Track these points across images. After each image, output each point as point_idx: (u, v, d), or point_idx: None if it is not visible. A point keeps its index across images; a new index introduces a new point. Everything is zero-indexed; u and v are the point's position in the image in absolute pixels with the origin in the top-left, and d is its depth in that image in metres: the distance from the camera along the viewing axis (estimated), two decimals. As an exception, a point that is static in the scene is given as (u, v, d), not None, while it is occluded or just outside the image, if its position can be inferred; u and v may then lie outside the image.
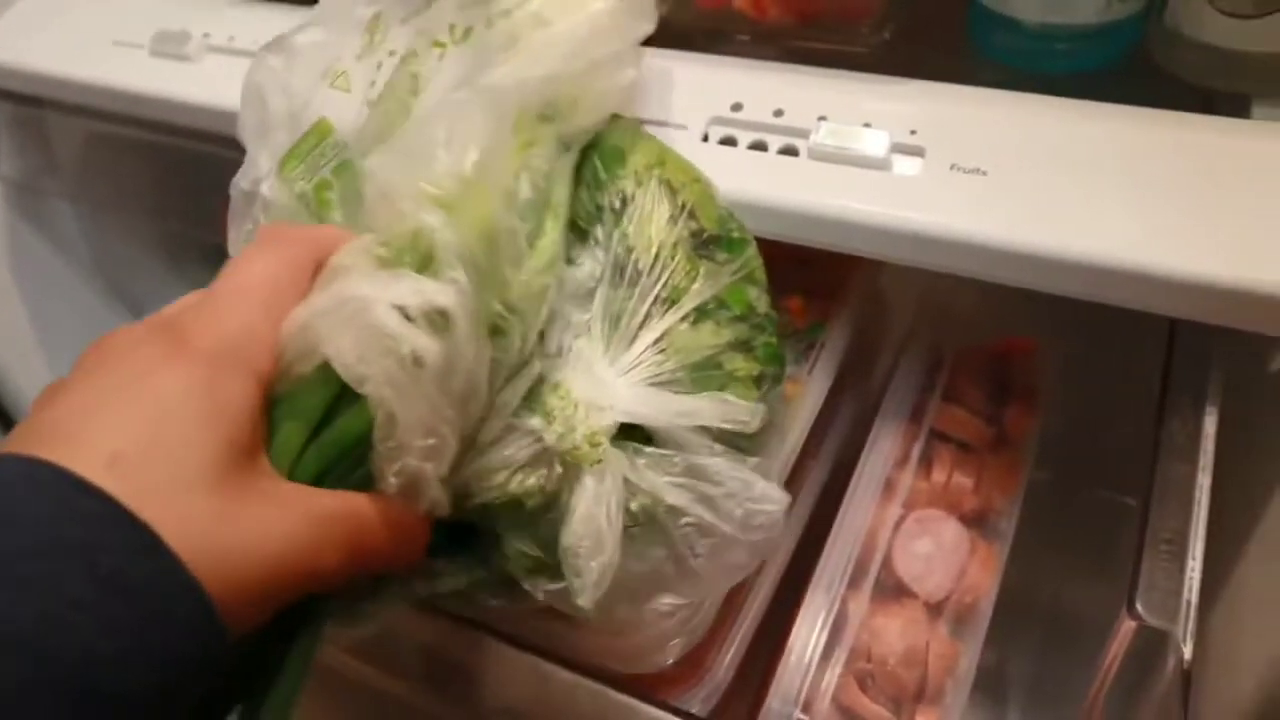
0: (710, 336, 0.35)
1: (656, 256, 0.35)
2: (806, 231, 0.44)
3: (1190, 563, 0.37)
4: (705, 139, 0.46)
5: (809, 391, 0.45)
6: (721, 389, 0.34)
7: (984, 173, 0.42)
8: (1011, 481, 0.47)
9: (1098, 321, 0.54)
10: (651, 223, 0.36)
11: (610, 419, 0.33)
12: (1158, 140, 0.42)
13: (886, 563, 0.44)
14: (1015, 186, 0.41)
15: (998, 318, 0.53)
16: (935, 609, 0.44)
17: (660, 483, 0.33)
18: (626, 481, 0.33)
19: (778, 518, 0.34)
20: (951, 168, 0.42)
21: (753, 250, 0.38)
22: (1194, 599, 0.36)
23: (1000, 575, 0.45)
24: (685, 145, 0.46)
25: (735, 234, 0.38)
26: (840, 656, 0.42)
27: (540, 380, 0.34)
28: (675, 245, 0.36)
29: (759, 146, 0.45)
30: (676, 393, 0.34)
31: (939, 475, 0.47)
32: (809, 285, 0.50)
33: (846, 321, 0.48)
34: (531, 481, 0.33)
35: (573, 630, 0.39)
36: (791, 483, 0.47)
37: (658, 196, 0.36)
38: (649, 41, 0.54)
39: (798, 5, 0.48)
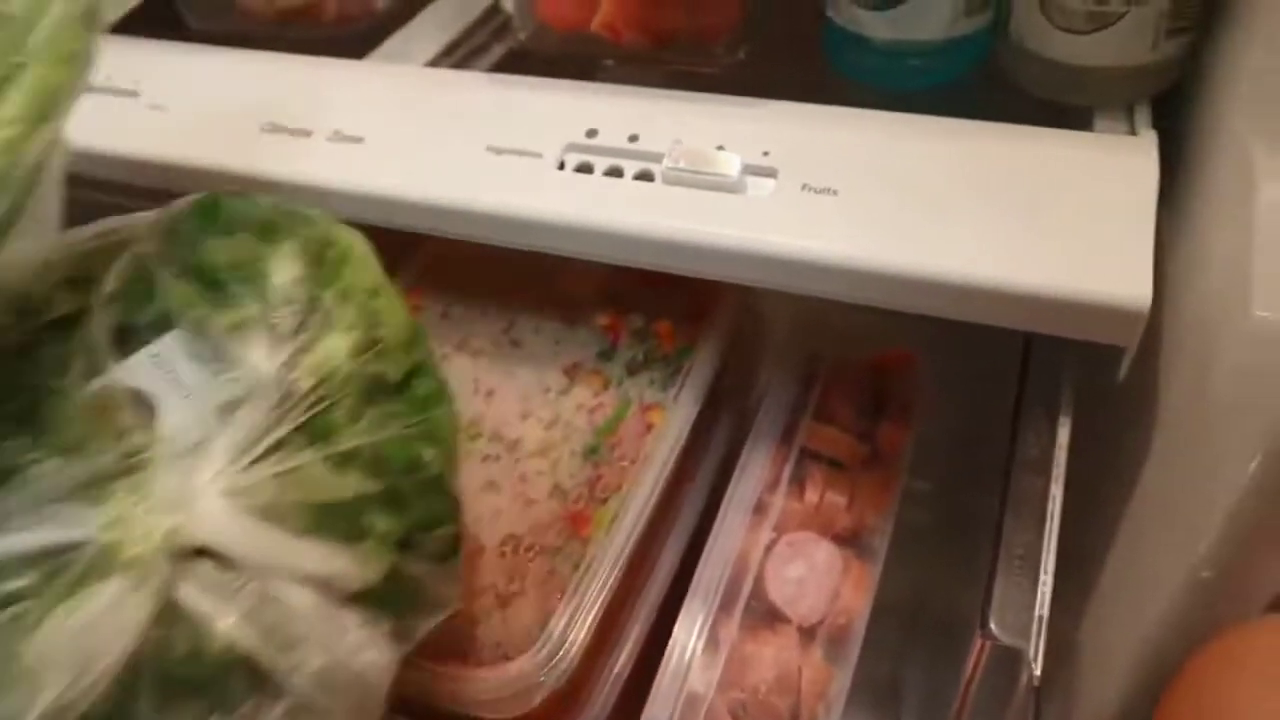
0: (353, 484, 0.32)
1: (319, 384, 0.31)
2: (664, 258, 0.43)
3: (1043, 577, 0.37)
4: (561, 166, 0.45)
5: (674, 416, 0.45)
6: (347, 540, 0.31)
7: (835, 192, 0.42)
8: (885, 498, 0.47)
9: (965, 334, 0.54)
10: (330, 349, 0.32)
11: (181, 532, 0.29)
12: (1004, 155, 0.42)
13: (758, 588, 0.44)
14: (865, 205, 0.41)
15: (874, 331, 0.53)
16: (809, 633, 0.44)
17: (214, 609, 0.29)
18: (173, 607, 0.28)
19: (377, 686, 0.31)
20: (803, 188, 0.42)
21: (444, 411, 0.35)
22: (1045, 614, 0.36)
23: (873, 594, 0.44)
24: (540, 174, 0.45)
25: (423, 391, 0.34)
26: (711, 686, 0.41)
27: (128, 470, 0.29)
28: (347, 380, 0.32)
29: (614, 173, 0.45)
30: (282, 530, 0.30)
31: (811, 495, 0.46)
32: (678, 309, 0.50)
33: (714, 343, 0.48)
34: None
35: (425, 676, 0.38)
36: (665, 509, 0.47)
37: (351, 323, 0.33)
38: (507, 68, 0.54)
39: (652, 27, 0.48)
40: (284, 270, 0.34)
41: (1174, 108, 0.45)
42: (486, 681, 0.38)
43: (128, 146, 0.50)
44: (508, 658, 0.39)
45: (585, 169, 0.45)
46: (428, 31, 0.55)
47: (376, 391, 0.33)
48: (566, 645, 0.39)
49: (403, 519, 0.32)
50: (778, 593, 0.44)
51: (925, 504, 0.57)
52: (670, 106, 0.47)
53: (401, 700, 0.36)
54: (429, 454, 0.33)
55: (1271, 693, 0.23)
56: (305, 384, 0.31)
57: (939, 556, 0.59)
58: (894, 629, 0.53)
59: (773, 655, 0.42)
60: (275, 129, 0.50)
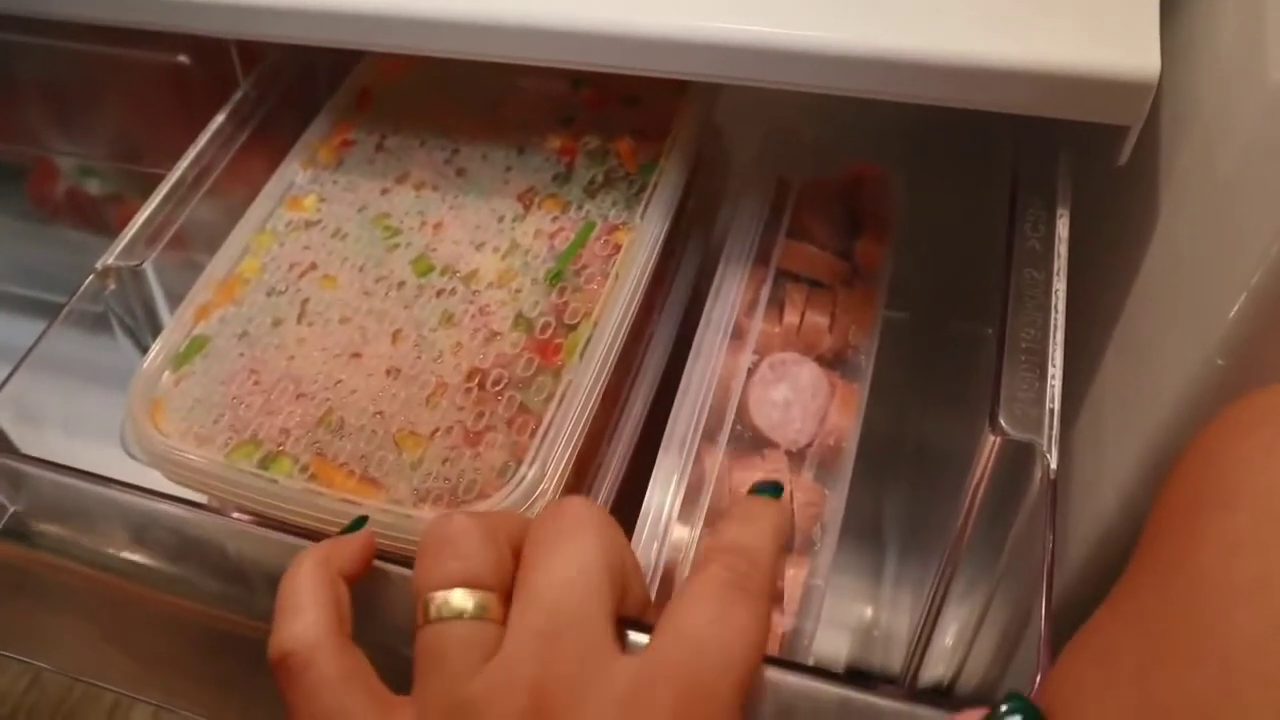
0: None
1: None
2: (635, 58, 0.39)
3: (1050, 370, 0.35)
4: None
5: (642, 237, 0.41)
6: None
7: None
8: (867, 316, 0.44)
9: (943, 142, 0.51)
10: None
11: None
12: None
13: (742, 413, 0.41)
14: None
15: (843, 149, 0.50)
16: (798, 456, 0.41)
17: None
18: None
19: None
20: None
21: None
22: (1056, 407, 0.34)
23: (862, 414, 0.42)
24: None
25: None
26: (699, 517, 0.39)
27: None
28: None
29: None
30: None
31: (791, 317, 0.44)
32: (639, 125, 0.46)
33: (677, 159, 0.44)
34: None
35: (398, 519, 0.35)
36: (635, 339, 0.44)
37: None
38: None
39: None
40: None
41: None
42: (462, 520, 0.35)
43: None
44: (484, 495, 0.36)
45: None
46: None
47: None
48: (545, 480, 0.36)
49: None
50: (762, 417, 0.41)
51: (902, 332, 0.55)
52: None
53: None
54: None
55: None
56: None
57: (916, 387, 0.57)
58: (873, 460, 0.51)
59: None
60: (171, -60, 0.44)
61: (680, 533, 0.38)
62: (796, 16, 0.37)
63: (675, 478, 0.39)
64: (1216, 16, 0.37)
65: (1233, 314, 0.32)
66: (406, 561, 0.32)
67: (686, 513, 0.39)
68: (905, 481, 0.57)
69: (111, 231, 0.60)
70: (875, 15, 0.37)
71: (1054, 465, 0.33)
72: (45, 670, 0.87)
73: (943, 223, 0.54)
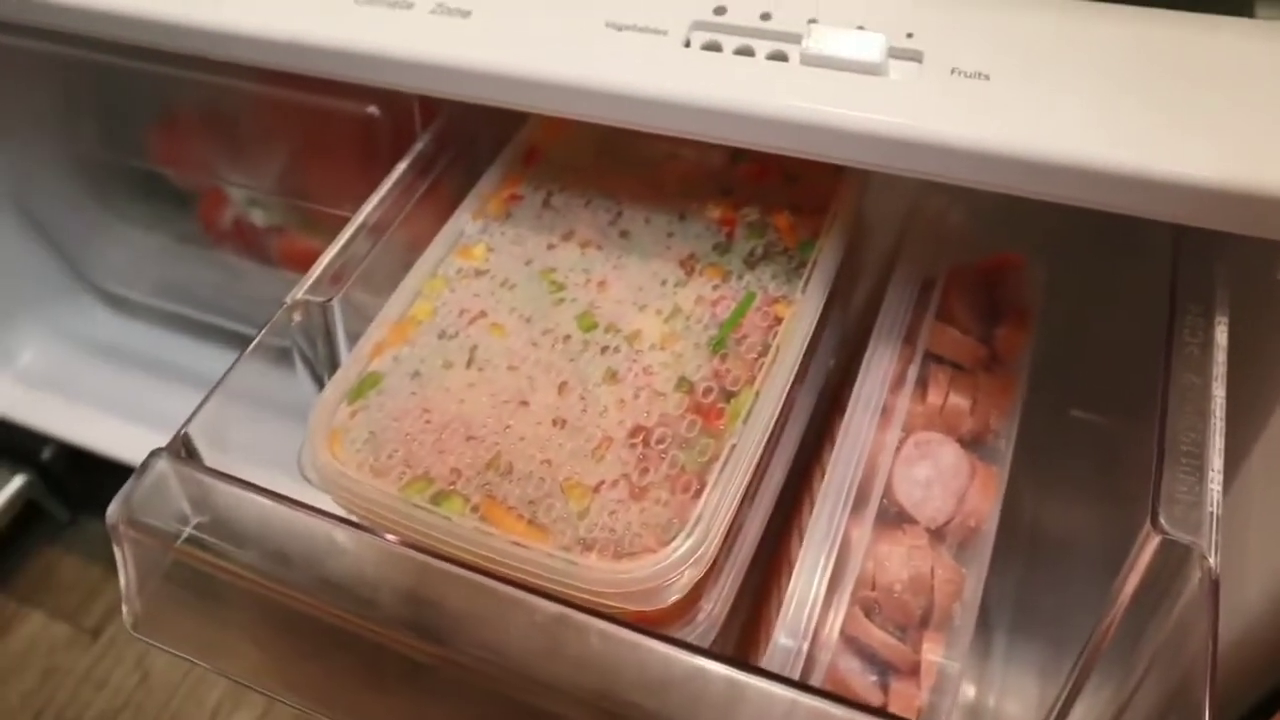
0: None
1: None
2: (799, 142, 0.41)
3: (1210, 474, 0.36)
4: (687, 44, 0.43)
5: (803, 311, 0.43)
6: None
7: (986, 77, 0.40)
8: (1006, 402, 0.46)
9: (1091, 236, 0.53)
10: None
11: None
12: (1163, 40, 0.40)
13: (887, 488, 0.42)
14: (1020, 90, 0.39)
15: (986, 236, 0.51)
16: (937, 534, 0.43)
17: None
18: None
19: None
20: (952, 72, 0.40)
21: None
22: (1218, 512, 0.35)
23: (1001, 498, 0.43)
24: (665, 52, 0.43)
25: None
26: (845, 587, 0.40)
27: None
28: None
29: (745, 52, 0.42)
30: None
31: (935, 397, 0.45)
32: (797, 201, 0.48)
33: (838, 238, 0.46)
34: None
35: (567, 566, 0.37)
36: (782, 409, 0.45)
37: None
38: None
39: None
40: None
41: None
42: (630, 573, 0.36)
43: (219, 19, 0.47)
44: (648, 550, 0.37)
45: (713, 47, 0.43)
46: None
47: None
48: (706, 542, 0.37)
49: None
50: (906, 494, 0.43)
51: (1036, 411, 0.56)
52: (803, -16, 0.44)
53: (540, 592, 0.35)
54: None
55: None
56: None
57: (1028, 469, 0.58)
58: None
59: (904, 555, 0.41)
60: (371, 1, 0.47)
61: (828, 600, 0.40)
62: (981, 120, 0.39)
63: (825, 548, 0.40)
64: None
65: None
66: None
67: (833, 582, 0.40)
68: (1016, 563, 0.58)
69: (271, 260, 0.64)
70: (1039, 117, 0.38)
71: (1217, 569, 0.34)
72: (156, 669, 0.90)
73: (1076, 311, 0.55)
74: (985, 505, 0.43)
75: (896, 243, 0.51)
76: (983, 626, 0.57)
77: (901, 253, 0.49)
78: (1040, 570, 0.56)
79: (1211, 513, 0.35)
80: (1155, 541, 0.34)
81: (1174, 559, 0.35)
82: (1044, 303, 0.49)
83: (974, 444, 0.45)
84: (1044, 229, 0.54)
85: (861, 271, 0.55)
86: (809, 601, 0.39)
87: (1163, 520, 0.35)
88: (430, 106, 0.52)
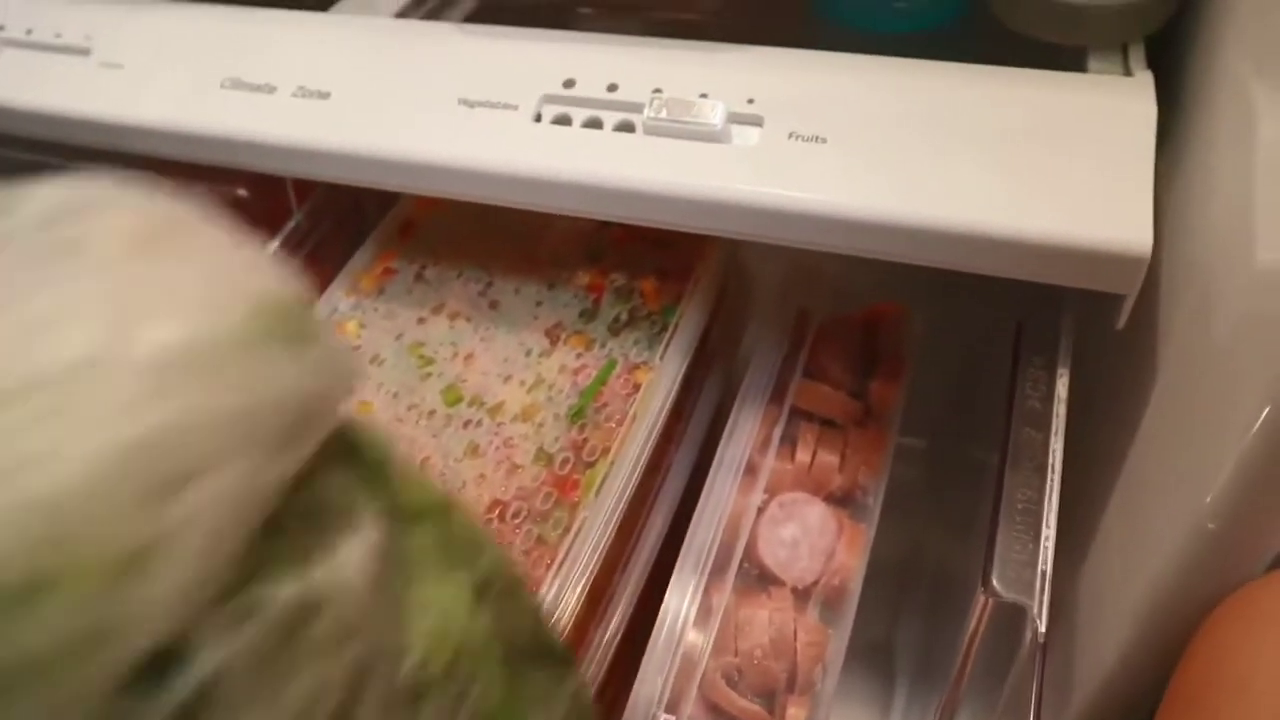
0: None
1: (455, 663, 0.21)
2: (648, 211, 0.42)
3: (1045, 531, 0.36)
4: (538, 119, 0.43)
5: (661, 376, 0.43)
6: None
7: (824, 140, 0.41)
8: (877, 457, 0.46)
9: (959, 284, 0.53)
10: (439, 609, 0.22)
11: None
12: (996, 98, 0.41)
13: (750, 550, 0.43)
14: (856, 153, 0.40)
15: (867, 284, 0.52)
16: (803, 594, 0.43)
17: None
18: None
19: None
20: (790, 136, 0.41)
21: (573, 671, 0.27)
22: (1049, 569, 0.35)
23: (867, 555, 0.43)
24: (516, 127, 0.43)
25: (559, 647, 0.26)
26: (705, 652, 0.40)
27: None
28: (485, 650, 0.22)
29: (594, 124, 0.43)
30: None
31: (803, 455, 0.45)
32: (665, 266, 0.48)
33: (699, 301, 0.46)
34: None
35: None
36: (653, 472, 0.46)
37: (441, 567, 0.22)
38: (481, 18, 0.52)
39: (629, -28, 0.46)
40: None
41: (1169, 47, 0.44)
42: None
43: (81, 107, 0.48)
44: (495, 628, 0.37)
45: (563, 121, 0.43)
46: (395, -18, 0.53)
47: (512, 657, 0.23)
48: (559, 612, 0.38)
49: None
50: (770, 555, 0.43)
51: (918, 460, 0.57)
52: (649, 54, 0.45)
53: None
54: None
55: None
56: (435, 664, 0.21)
57: (932, 513, 0.58)
58: (887, 587, 0.52)
59: (767, 618, 0.41)
60: (236, 85, 0.47)
61: (687, 666, 0.40)
62: (819, 184, 0.39)
63: (684, 613, 0.40)
64: (1210, 195, 0.38)
65: (1222, 481, 0.33)
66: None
67: (693, 647, 0.40)
68: (919, 608, 0.58)
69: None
70: (874, 179, 0.39)
71: (1043, 629, 0.34)
72: None
73: (961, 354, 0.55)
74: (852, 563, 0.43)
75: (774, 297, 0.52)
76: (886, 676, 0.57)
77: (774, 308, 0.49)
78: (943, 615, 0.55)
79: (1044, 571, 0.35)
80: (987, 603, 0.35)
81: (1007, 619, 0.35)
82: (921, 348, 0.49)
83: (844, 500, 0.45)
84: (920, 273, 0.54)
85: (745, 325, 0.55)
86: (665, 667, 0.39)
87: (995, 582, 0.35)
88: (305, 183, 0.52)
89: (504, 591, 0.24)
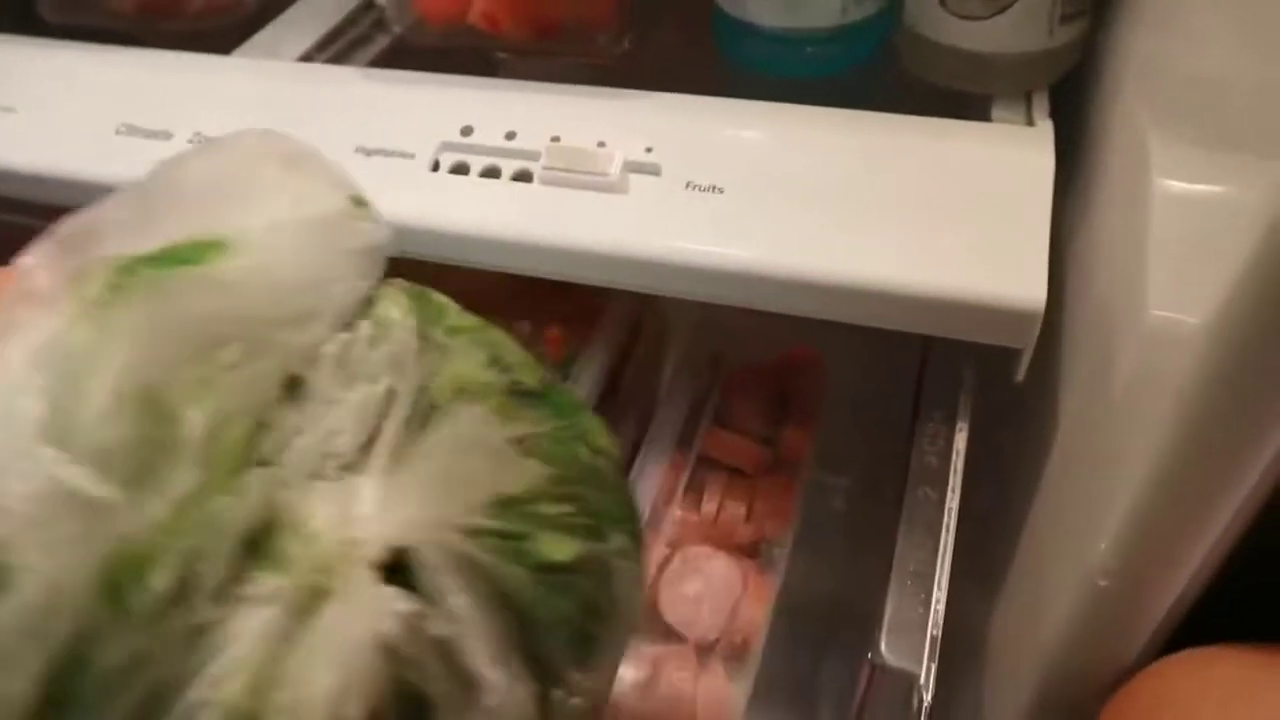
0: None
1: (461, 393, 0.29)
2: (541, 264, 0.41)
3: (936, 594, 0.35)
4: (435, 168, 0.43)
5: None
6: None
7: (720, 190, 0.40)
8: (786, 506, 0.45)
9: (868, 332, 0.53)
10: (461, 365, 0.30)
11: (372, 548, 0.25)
12: (897, 148, 0.40)
13: (652, 608, 0.42)
14: (751, 204, 0.39)
15: (779, 330, 0.51)
16: (707, 649, 0.42)
17: None
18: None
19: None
20: (687, 186, 0.40)
21: (587, 416, 0.33)
22: (938, 634, 0.34)
23: (773, 605, 0.43)
24: (412, 175, 0.42)
25: (564, 399, 0.32)
26: (603, 716, 0.39)
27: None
28: (487, 387, 0.30)
29: (491, 173, 0.42)
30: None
31: (709, 506, 0.44)
32: (570, 313, 0.47)
33: (599, 350, 0.45)
34: None
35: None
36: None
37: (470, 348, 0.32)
38: (388, 63, 0.51)
39: (531, 17, 0.45)
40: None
41: (1071, 96, 0.44)
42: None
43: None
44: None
45: (460, 169, 0.42)
46: (301, 25, 0.52)
47: (516, 395, 0.30)
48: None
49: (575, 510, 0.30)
50: (673, 612, 0.42)
51: (840, 496, 0.56)
52: (549, 101, 0.44)
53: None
54: (585, 453, 0.31)
55: None
56: (444, 396, 0.29)
57: (857, 549, 0.58)
58: (812, 626, 0.51)
59: (668, 675, 0.40)
60: (131, 131, 0.46)
61: None
62: (712, 237, 0.38)
63: (579, 675, 0.39)
64: (1108, 246, 0.38)
65: (1111, 537, 0.33)
66: None
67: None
68: (847, 647, 0.57)
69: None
70: (768, 232, 0.38)
71: (929, 698, 0.33)
72: None
73: (874, 395, 0.55)
74: (757, 616, 0.42)
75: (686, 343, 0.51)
76: (811, 711, 0.56)
77: (685, 355, 0.49)
78: (864, 649, 0.55)
79: (934, 636, 0.34)
80: (874, 671, 0.34)
81: (894, 685, 0.34)
82: (833, 393, 0.49)
83: (750, 551, 0.44)
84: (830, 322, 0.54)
85: (660, 370, 0.54)
86: None
87: (883, 650, 0.34)
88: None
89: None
